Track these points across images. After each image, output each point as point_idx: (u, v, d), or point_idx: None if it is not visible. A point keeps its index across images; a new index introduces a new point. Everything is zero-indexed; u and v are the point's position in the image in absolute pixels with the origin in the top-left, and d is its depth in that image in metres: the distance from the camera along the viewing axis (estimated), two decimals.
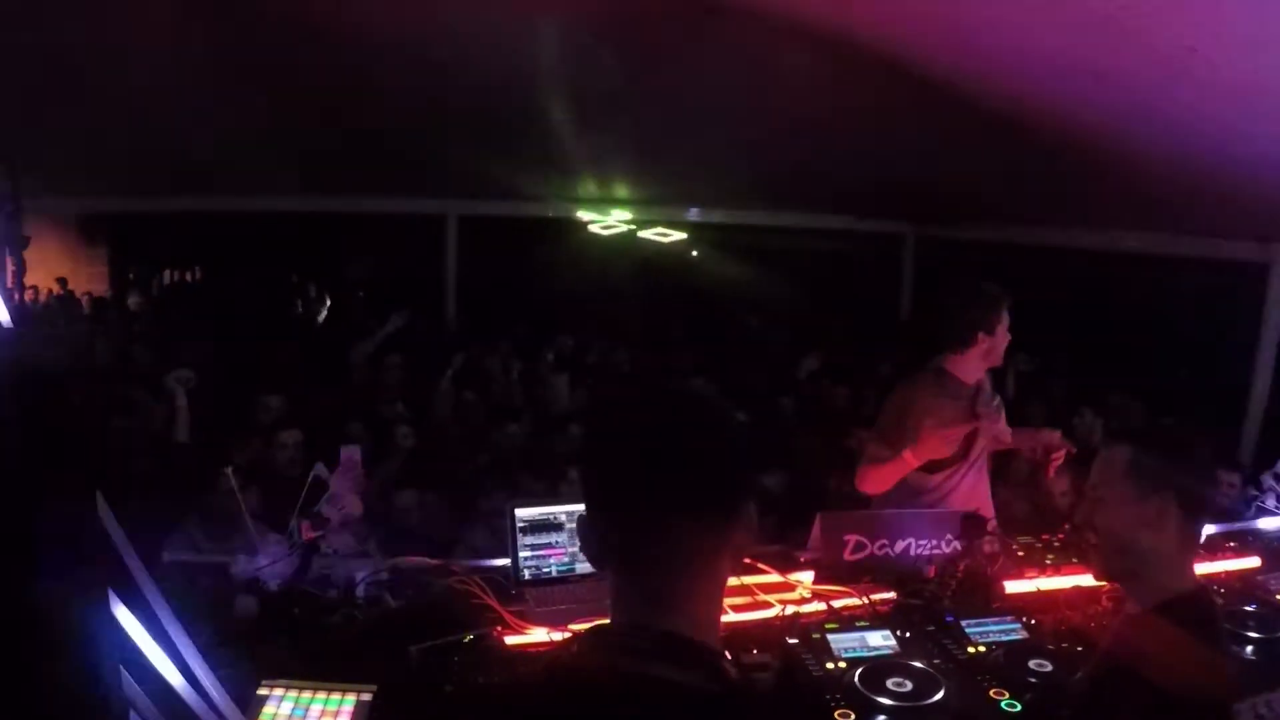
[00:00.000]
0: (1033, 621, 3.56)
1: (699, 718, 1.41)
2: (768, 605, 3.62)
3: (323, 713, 2.82)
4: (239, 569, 3.63)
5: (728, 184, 8.96)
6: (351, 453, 3.98)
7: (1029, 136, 4.94)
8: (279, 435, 5.87)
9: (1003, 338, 4.64)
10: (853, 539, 4.04)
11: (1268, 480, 5.04)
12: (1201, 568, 3.95)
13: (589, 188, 8.94)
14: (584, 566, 3.79)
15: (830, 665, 3.19)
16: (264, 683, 2.92)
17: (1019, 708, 2.99)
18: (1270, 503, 4.92)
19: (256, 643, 3.22)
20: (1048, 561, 3.92)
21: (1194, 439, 2.69)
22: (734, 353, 10.24)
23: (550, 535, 3.83)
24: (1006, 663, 3.23)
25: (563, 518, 3.85)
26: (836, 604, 3.66)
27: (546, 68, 5.03)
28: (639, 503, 1.48)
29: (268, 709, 2.83)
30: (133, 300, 13.75)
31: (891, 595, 3.76)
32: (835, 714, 2.91)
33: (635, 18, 4.05)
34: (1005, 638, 3.44)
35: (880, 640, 3.35)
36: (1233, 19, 2.84)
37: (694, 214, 10.13)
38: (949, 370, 4.75)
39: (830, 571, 3.91)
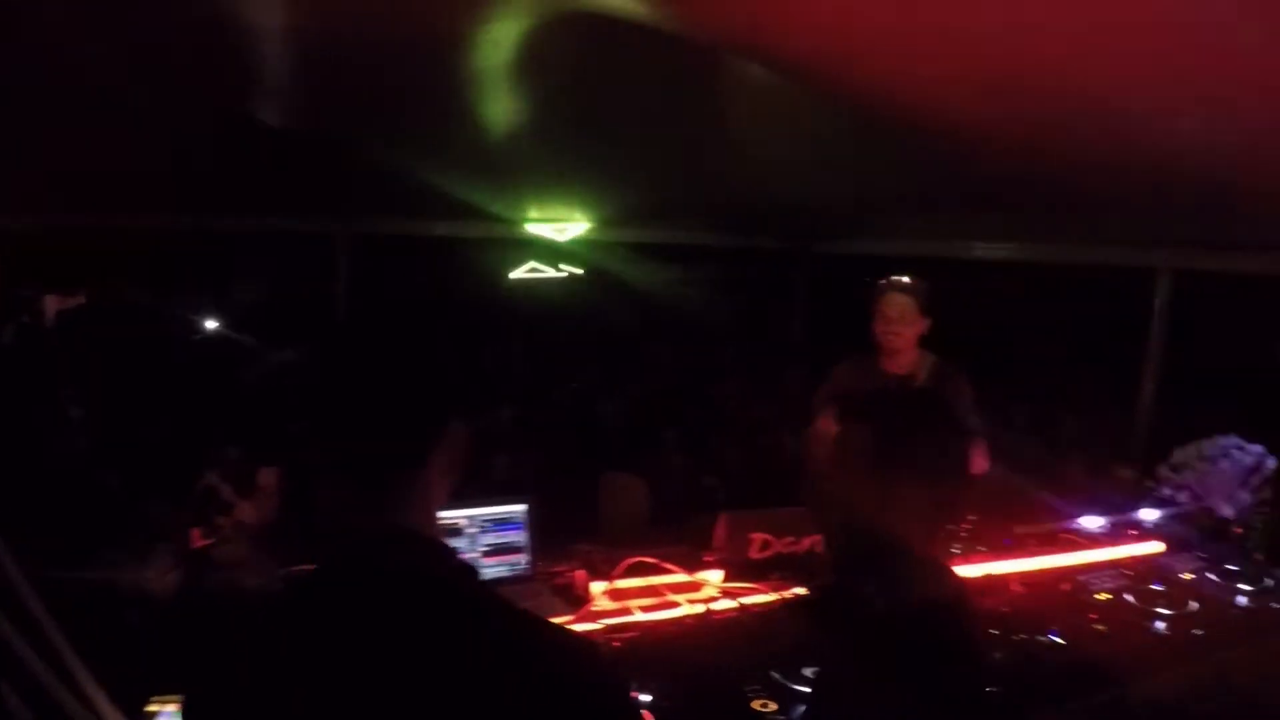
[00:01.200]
0: None
1: (436, 595, 1.57)
2: (675, 605, 3.58)
3: None
4: (126, 581, 3.47)
5: (614, 203, 8.90)
6: (269, 475, 3.88)
7: (921, 147, 4.94)
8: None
9: (878, 322, 4.65)
10: (759, 537, 3.99)
11: (1163, 471, 5.11)
12: (1108, 553, 4.18)
13: (483, 206, 8.80)
14: (485, 572, 3.69)
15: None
16: (154, 699, 2.78)
17: None
18: (1166, 491, 5.00)
19: (146, 657, 3.08)
20: (955, 551, 3.93)
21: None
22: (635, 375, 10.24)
23: (450, 541, 3.68)
24: None
25: (463, 523, 3.73)
26: (747, 600, 3.60)
27: (436, 79, 4.92)
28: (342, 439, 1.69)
29: None
30: (14, 326, 13.29)
31: (803, 590, 3.71)
32: (754, 704, 2.85)
33: (524, 29, 3.97)
34: None
35: None
36: (1128, 21, 2.83)
37: (584, 231, 10.05)
38: (875, 357, 4.79)
39: (737, 570, 3.86)
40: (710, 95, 4.63)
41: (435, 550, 1.65)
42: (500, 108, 5.10)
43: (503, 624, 1.59)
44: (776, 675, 2.98)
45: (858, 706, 2.14)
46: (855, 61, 3.53)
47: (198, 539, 3.60)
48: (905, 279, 4.74)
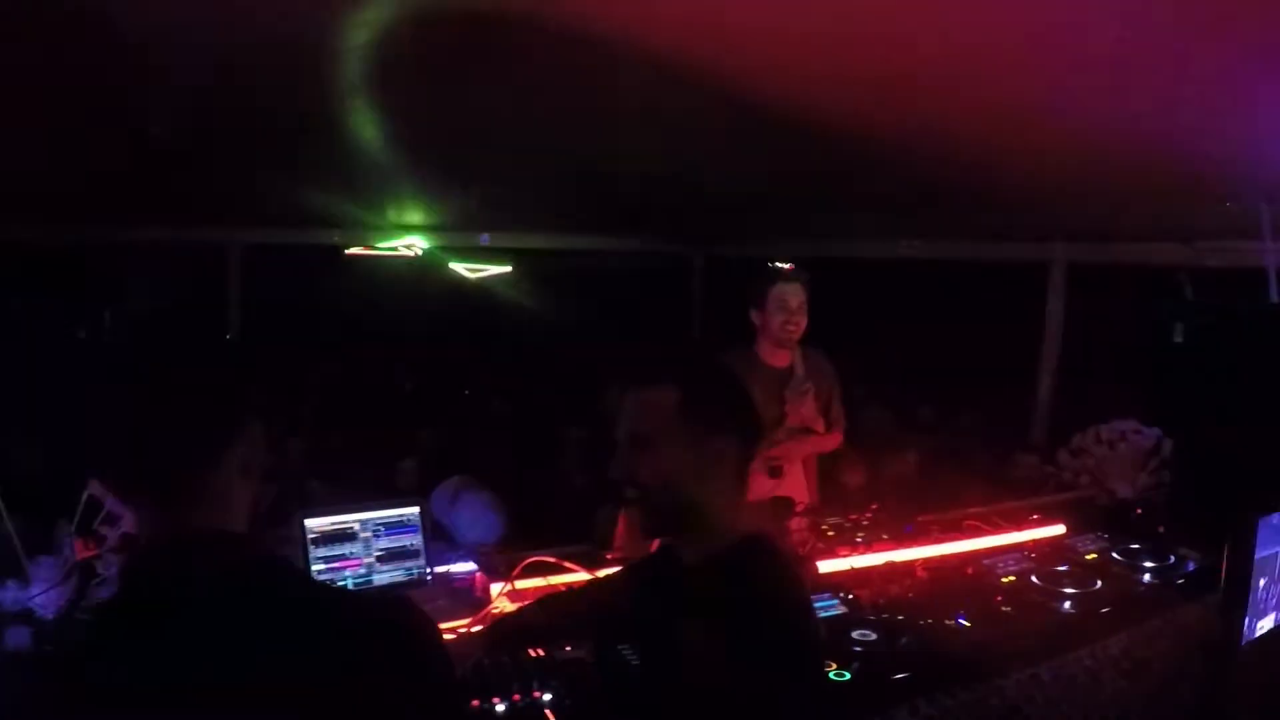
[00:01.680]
0: (850, 596, 3.51)
1: (227, 592, 1.59)
2: None
3: None
4: (9, 599, 3.30)
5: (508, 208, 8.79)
6: None
7: (814, 150, 4.91)
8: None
9: (774, 313, 4.64)
10: None
11: (1063, 457, 5.14)
12: (1012, 537, 4.21)
13: (373, 214, 8.64)
14: (381, 577, 3.59)
15: None
16: None
17: (848, 676, 2.95)
18: (1066, 476, 5.03)
19: (33, 677, 2.92)
20: (858, 540, 3.90)
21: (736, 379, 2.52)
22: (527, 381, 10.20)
23: (344, 546, 3.57)
24: (830, 636, 3.14)
25: (356, 527, 3.60)
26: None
27: (326, 85, 4.78)
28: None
29: None
30: None
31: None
32: None
33: (392, 29, 3.86)
34: (826, 614, 3.37)
35: None
36: (1008, 22, 2.81)
37: (484, 240, 9.93)
38: (756, 351, 4.76)
39: None
40: (593, 98, 4.56)
41: (231, 547, 1.67)
42: (369, 114, 5.00)
43: (301, 603, 1.64)
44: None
45: (683, 660, 2.15)
46: (733, 62, 3.49)
47: (81, 551, 3.43)
48: (800, 270, 4.70)
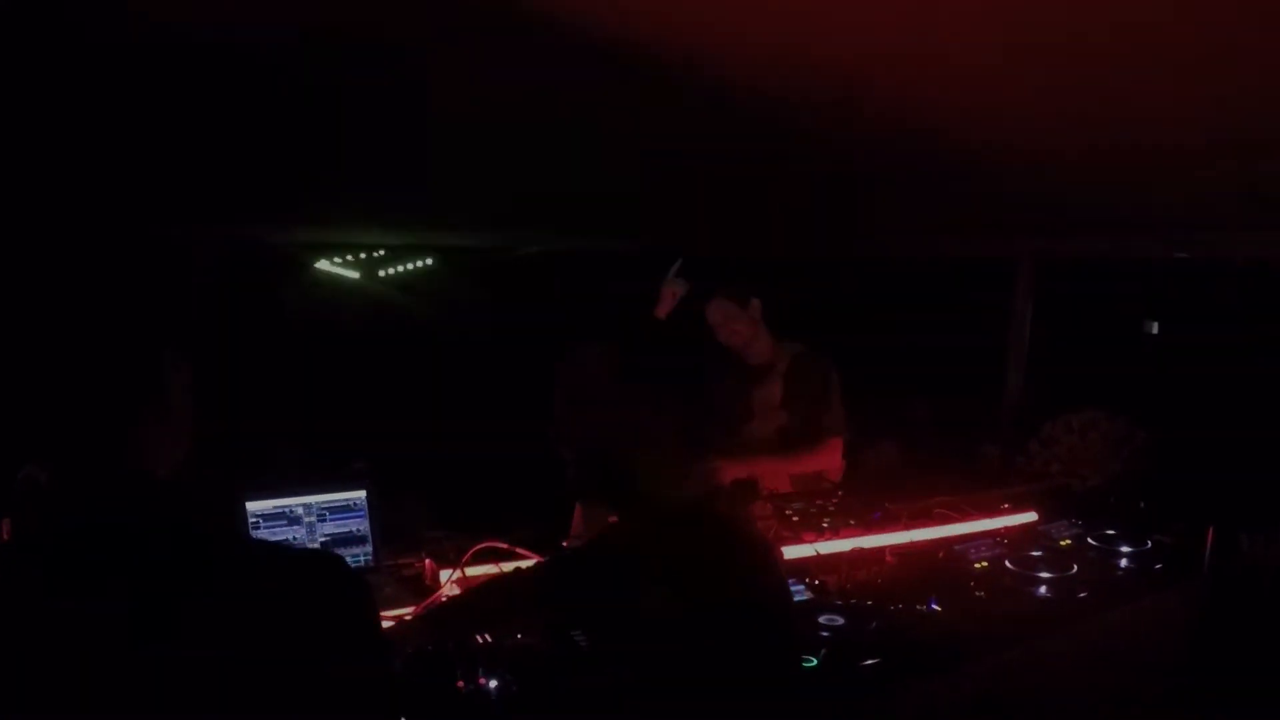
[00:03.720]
0: (817, 582, 3.41)
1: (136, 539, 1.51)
2: None
3: None
4: None
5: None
6: None
7: (765, 140, 4.81)
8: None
9: (714, 333, 4.56)
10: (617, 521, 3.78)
11: (1033, 446, 5.06)
12: (984, 524, 4.11)
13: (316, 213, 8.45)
14: None
15: None
16: None
17: (814, 662, 2.84)
18: (1037, 465, 4.95)
19: None
20: (824, 526, 3.77)
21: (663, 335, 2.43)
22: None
23: (287, 530, 3.43)
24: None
25: (299, 510, 3.46)
26: None
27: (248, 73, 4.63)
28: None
29: None
30: None
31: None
32: None
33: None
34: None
35: None
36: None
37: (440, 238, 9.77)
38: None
39: None
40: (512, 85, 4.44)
41: (147, 495, 1.61)
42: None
43: (219, 551, 1.56)
44: None
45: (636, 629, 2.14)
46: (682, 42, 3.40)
47: (8, 530, 3.28)
48: (720, 286, 4.56)
